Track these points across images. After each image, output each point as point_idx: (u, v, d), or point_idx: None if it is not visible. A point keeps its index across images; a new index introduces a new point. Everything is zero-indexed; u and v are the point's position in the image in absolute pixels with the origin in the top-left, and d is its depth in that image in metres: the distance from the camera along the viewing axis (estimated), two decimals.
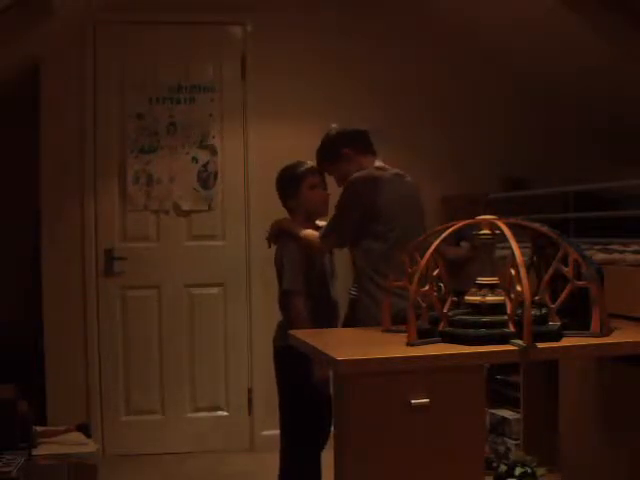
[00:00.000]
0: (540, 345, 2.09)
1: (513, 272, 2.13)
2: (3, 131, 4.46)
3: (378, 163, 2.98)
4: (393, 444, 2.02)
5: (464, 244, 3.83)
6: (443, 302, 2.27)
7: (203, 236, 4.55)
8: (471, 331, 2.16)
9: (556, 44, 4.17)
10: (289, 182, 3.10)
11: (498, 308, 2.21)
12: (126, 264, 4.44)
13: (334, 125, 3.07)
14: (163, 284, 4.51)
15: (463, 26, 4.58)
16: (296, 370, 2.90)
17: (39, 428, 3.63)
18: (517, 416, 3.77)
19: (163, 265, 4.51)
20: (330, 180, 3.10)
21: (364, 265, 2.85)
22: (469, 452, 2.08)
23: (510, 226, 2.23)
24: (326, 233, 2.92)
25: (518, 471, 3.09)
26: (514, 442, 3.74)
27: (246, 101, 4.56)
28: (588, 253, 2.55)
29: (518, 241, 2.15)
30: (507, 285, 2.21)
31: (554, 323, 2.20)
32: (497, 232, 2.27)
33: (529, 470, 3.09)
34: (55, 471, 3.32)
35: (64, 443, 3.56)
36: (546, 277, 2.25)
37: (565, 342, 2.17)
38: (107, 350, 4.44)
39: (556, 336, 2.17)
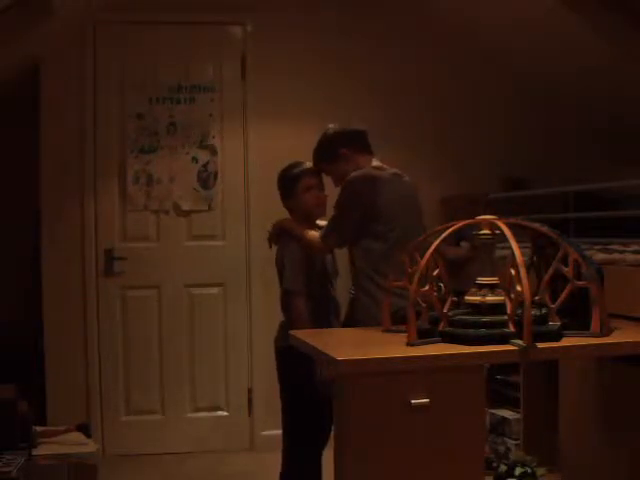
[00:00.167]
0: (540, 345, 2.09)
1: (513, 272, 2.13)
2: (3, 131, 4.46)
3: (376, 163, 2.97)
4: (393, 444, 2.02)
5: (464, 244, 3.83)
6: (443, 302, 2.27)
7: (203, 236, 4.55)
8: (471, 331, 2.16)
9: (556, 44, 4.17)
10: (286, 183, 3.09)
11: (498, 308, 2.21)
12: (126, 264, 4.44)
13: (331, 125, 3.05)
14: (163, 284, 4.51)
15: (463, 26, 4.58)
16: (297, 370, 2.90)
17: (39, 428, 3.62)
18: (517, 416, 3.76)
19: (163, 265, 4.51)
20: (327, 180, 3.09)
21: (364, 265, 2.85)
22: (469, 452, 2.08)
23: (510, 226, 2.23)
24: (327, 233, 2.92)
25: (518, 471, 3.09)
26: (514, 442, 3.74)
27: (246, 101, 4.56)
28: (588, 253, 2.55)
29: (518, 241, 2.15)
30: (507, 285, 2.21)
31: (554, 323, 2.20)
32: (497, 232, 2.27)
33: (529, 470, 3.09)
34: (55, 471, 3.32)
35: (64, 443, 3.56)
36: (546, 277, 2.25)
37: (565, 342, 2.18)
38: (107, 350, 4.44)
39: (556, 336, 2.17)
